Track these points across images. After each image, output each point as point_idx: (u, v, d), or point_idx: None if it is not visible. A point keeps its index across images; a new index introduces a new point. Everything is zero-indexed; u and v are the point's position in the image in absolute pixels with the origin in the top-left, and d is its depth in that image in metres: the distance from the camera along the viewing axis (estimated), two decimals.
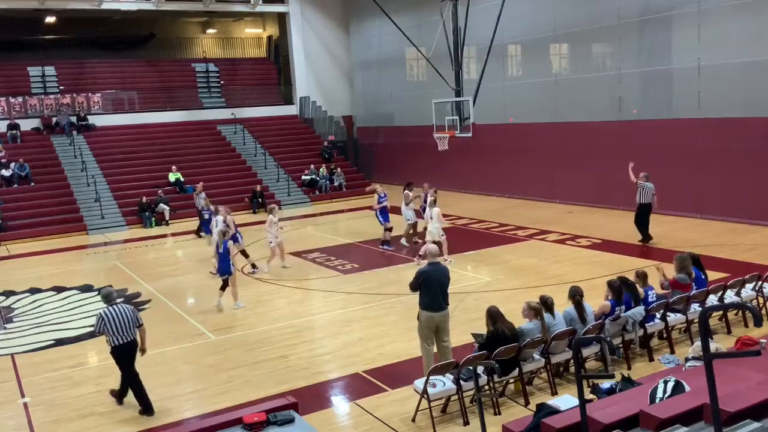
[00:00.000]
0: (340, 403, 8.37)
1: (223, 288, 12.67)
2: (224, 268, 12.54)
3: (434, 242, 13.47)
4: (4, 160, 24.76)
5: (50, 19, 30.51)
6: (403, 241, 17.14)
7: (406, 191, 17.11)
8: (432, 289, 8.24)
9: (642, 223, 15.46)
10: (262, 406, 5.55)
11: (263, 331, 11.20)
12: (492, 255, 15.75)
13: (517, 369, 7.84)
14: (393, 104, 30.26)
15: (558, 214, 20.36)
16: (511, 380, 8.03)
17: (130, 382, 8.31)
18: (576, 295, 8.60)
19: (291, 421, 5.36)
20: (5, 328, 12.36)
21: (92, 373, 9.84)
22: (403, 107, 29.25)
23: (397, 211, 17.99)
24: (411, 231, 17.23)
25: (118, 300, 8.79)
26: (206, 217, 18.50)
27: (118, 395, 8.50)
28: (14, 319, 12.93)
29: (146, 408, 8.20)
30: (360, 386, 8.66)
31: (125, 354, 8.24)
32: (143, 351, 8.45)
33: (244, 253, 15.43)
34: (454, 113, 21.41)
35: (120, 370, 8.34)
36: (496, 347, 7.61)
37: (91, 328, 11.83)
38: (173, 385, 9.10)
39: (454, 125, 20.99)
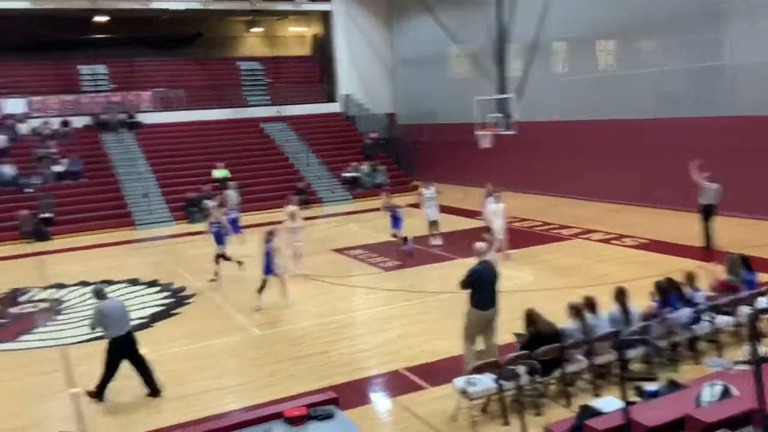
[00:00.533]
0: (379, 400, 8.41)
1: (260, 290, 12.44)
2: (267, 268, 12.53)
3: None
4: (56, 156, 25.49)
5: (101, 19, 31.25)
6: (434, 240, 17.14)
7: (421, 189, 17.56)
8: (484, 288, 8.32)
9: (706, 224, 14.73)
10: (303, 401, 5.62)
11: (305, 326, 11.31)
12: (535, 254, 15.59)
13: (559, 370, 7.76)
14: (436, 101, 30.16)
15: (602, 212, 20.03)
16: (553, 381, 7.95)
17: (138, 366, 8.66)
18: (620, 296, 8.47)
19: (331, 416, 5.42)
20: (47, 324, 12.70)
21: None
22: (446, 104, 29.13)
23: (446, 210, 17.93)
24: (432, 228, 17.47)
25: (109, 295, 9.21)
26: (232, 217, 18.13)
27: (97, 393, 8.57)
28: (63, 312, 13.33)
29: (154, 391, 8.63)
30: (400, 383, 8.68)
31: (122, 347, 8.55)
32: None
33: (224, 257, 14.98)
34: (497, 111, 21.24)
35: (106, 364, 8.52)
36: (538, 347, 7.54)
37: (139, 321, 12.16)
38: (217, 378, 9.27)
39: (498, 122, 20.82)
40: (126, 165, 26.21)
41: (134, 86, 30.63)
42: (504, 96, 21.37)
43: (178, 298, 13.77)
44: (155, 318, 12.50)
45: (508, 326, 9.48)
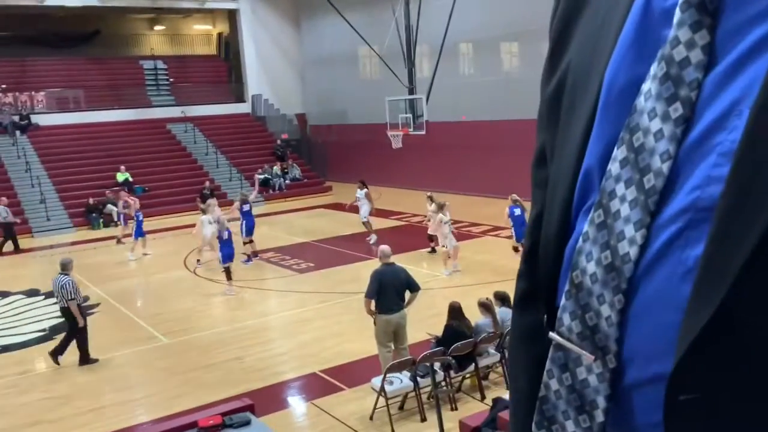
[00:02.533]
0: (297, 404, 8.32)
1: (229, 276, 12.99)
2: (228, 254, 13.02)
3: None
4: None
5: None
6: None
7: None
8: (387, 292, 8.15)
9: None
10: (217, 409, 5.50)
11: (217, 332, 11.05)
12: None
13: (474, 364, 7.92)
14: (346, 102, 30.19)
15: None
16: (468, 375, 8.11)
17: (81, 335, 9.83)
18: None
19: (247, 423, 5.32)
20: None
21: (39, 380, 9.56)
22: (357, 105, 29.21)
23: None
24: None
25: (65, 272, 10.18)
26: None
27: (56, 352, 9.75)
28: None
29: (85, 359, 9.73)
30: (317, 386, 8.63)
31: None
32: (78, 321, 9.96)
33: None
34: (407, 111, 21.49)
35: (71, 328, 9.79)
36: (453, 343, 7.67)
37: (38, 334, 11.60)
38: (125, 390, 8.92)
39: (408, 123, 21.07)
40: (20, 169, 24.79)
41: (27, 87, 29.03)
42: (414, 96, 21.64)
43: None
44: (56, 330, 11.87)
45: (421, 324, 9.61)
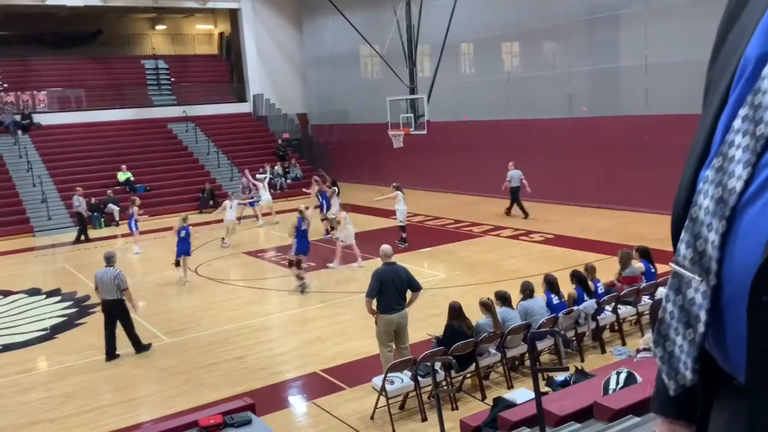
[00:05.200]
0: (297, 403, 8.32)
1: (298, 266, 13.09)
2: (303, 246, 13.12)
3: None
4: None
5: None
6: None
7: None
8: (388, 291, 8.13)
9: (518, 202, 18.97)
10: (218, 409, 5.50)
11: (218, 332, 11.05)
12: (448, 251, 15.86)
13: (474, 364, 7.92)
14: (347, 102, 30.18)
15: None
16: (468, 375, 8.11)
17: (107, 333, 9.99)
18: (527, 290, 8.75)
19: (248, 422, 5.32)
20: None
21: (40, 378, 9.58)
22: (358, 105, 29.20)
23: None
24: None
25: (111, 264, 10.20)
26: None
27: (138, 345, 10.16)
28: None
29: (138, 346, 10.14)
30: (318, 385, 8.63)
31: (104, 310, 10.08)
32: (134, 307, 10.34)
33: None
34: (408, 111, 21.47)
35: (123, 321, 10.05)
36: (453, 343, 7.66)
37: (39, 333, 11.63)
38: (126, 390, 8.92)
39: (409, 123, 21.05)
40: (22, 169, 24.80)
41: (29, 86, 29.04)
42: (415, 96, 21.62)
43: (81, 308, 13.14)
44: (57, 329, 11.89)
45: (423, 324, 9.61)
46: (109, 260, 10.24)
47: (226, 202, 18.02)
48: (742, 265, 0.72)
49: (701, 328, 0.78)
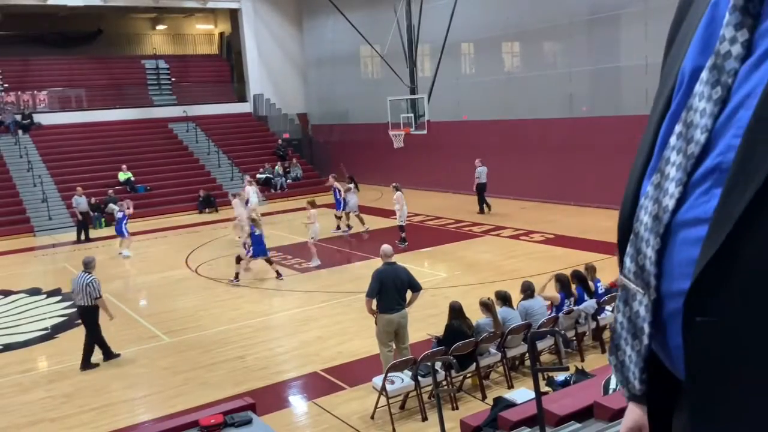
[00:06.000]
0: (298, 403, 8.33)
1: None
2: (258, 251, 13.69)
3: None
4: None
5: None
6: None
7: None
8: (388, 291, 8.13)
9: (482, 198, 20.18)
10: (219, 408, 5.51)
11: (219, 331, 11.06)
12: (448, 251, 15.87)
13: (474, 364, 7.92)
14: (347, 102, 30.18)
15: (511, 209, 20.63)
16: (469, 375, 8.11)
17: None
18: (527, 290, 8.76)
19: (248, 422, 5.33)
20: None
21: (42, 378, 9.58)
22: (358, 105, 29.20)
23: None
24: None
25: (88, 270, 10.06)
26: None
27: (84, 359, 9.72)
28: None
29: (107, 354, 9.87)
30: (318, 385, 8.64)
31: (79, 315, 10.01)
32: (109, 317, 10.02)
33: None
34: (408, 111, 21.47)
35: (91, 328, 9.85)
36: (454, 343, 7.67)
37: (40, 332, 11.64)
38: (126, 389, 8.93)
39: (409, 123, 21.05)
40: (22, 169, 24.82)
41: (30, 86, 29.05)
42: (415, 96, 21.62)
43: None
44: (57, 329, 11.90)
45: (423, 324, 9.62)
46: (87, 266, 10.04)
47: (236, 201, 17.86)
48: (675, 284, 0.75)
49: (645, 340, 0.81)
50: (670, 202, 0.76)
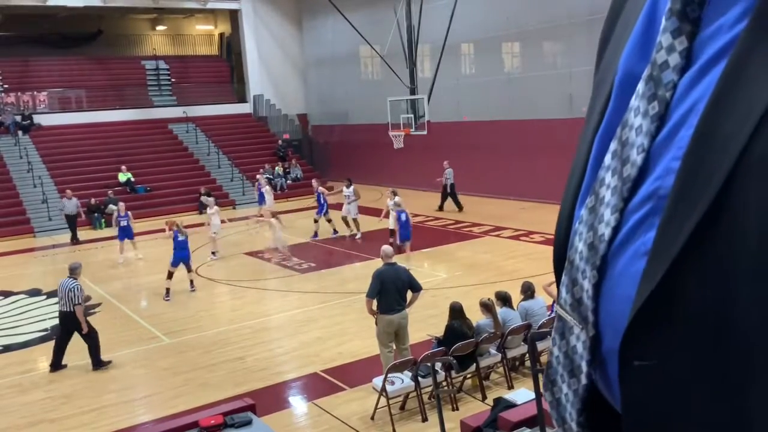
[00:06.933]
0: (298, 404, 8.33)
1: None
2: (178, 257, 13.19)
3: None
4: None
5: None
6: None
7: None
8: (388, 291, 8.12)
9: (454, 197, 21.19)
10: (219, 409, 5.50)
11: (219, 332, 11.06)
12: (448, 252, 15.87)
13: (475, 364, 7.92)
14: (347, 102, 30.19)
15: (512, 210, 20.63)
16: (469, 376, 8.11)
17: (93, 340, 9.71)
18: (528, 291, 8.75)
19: (248, 423, 5.32)
20: None
21: (41, 379, 9.57)
22: (358, 105, 29.21)
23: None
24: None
25: (73, 275, 9.98)
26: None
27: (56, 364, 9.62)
28: None
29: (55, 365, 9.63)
30: (318, 386, 8.63)
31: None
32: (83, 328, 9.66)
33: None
34: (409, 111, 21.48)
35: (64, 332, 9.77)
36: (454, 343, 7.66)
37: (40, 333, 11.64)
38: (126, 390, 8.92)
39: (409, 123, 21.06)
40: (22, 169, 24.82)
41: (30, 86, 29.06)
42: (415, 97, 21.63)
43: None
44: (57, 330, 11.88)
45: (423, 324, 9.62)
46: (72, 271, 9.93)
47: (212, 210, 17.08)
48: (612, 323, 0.67)
49: (583, 380, 0.73)
50: (606, 231, 0.68)
